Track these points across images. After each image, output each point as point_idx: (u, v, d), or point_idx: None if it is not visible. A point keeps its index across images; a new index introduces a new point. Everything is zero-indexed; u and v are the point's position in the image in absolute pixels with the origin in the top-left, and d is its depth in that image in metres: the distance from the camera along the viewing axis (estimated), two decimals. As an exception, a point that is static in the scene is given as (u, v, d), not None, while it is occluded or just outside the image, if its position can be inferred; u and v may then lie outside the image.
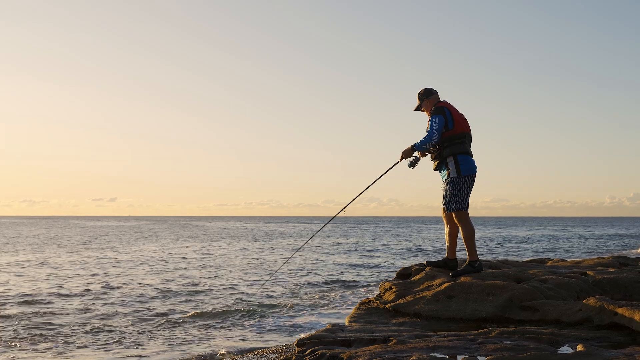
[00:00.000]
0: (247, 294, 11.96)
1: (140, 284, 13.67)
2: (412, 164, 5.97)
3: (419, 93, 6.10)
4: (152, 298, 11.38)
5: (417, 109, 6.16)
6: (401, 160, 5.99)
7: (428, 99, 6.04)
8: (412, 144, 5.90)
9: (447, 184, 5.87)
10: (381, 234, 48.59)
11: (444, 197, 5.94)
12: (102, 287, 13.04)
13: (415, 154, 6.00)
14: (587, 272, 6.32)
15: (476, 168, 5.91)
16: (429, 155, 6.10)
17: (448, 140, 5.81)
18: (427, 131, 5.83)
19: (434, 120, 5.79)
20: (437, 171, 6.04)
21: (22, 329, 8.21)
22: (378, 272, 16.72)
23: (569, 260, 7.77)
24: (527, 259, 8.41)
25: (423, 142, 5.82)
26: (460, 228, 5.90)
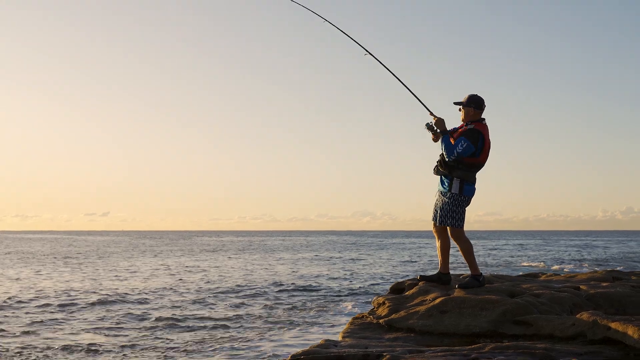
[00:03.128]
0: (236, 307, 11.89)
1: (112, 300, 13.57)
2: (429, 128, 5.91)
3: (473, 97, 5.88)
4: (131, 303, 11.29)
5: (458, 104, 5.93)
6: (434, 122, 5.87)
7: (474, 110, 5.86)
8: (444, 134, 5.78)
9: (447, 198, 5.81)
10: (374, 248, 48.54)
11: (439, 210, 5.88)
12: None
13: (431, 119, 5.90)
14: (581, 286, 6.33)
15: (475, 190, 5.94)
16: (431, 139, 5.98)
17: (466, 166, 5.77)
18: (453, 144, 5.72)
19: (462, 142, 5.67)
20: (437, 177, 5.95)
21: None
22: (371, 287, 16.68)
23: (562, 274, 7.78)
24: (520, 274, 8.43)
25: (445, 146, 5.74)
26: (457, 245, 5.91)
